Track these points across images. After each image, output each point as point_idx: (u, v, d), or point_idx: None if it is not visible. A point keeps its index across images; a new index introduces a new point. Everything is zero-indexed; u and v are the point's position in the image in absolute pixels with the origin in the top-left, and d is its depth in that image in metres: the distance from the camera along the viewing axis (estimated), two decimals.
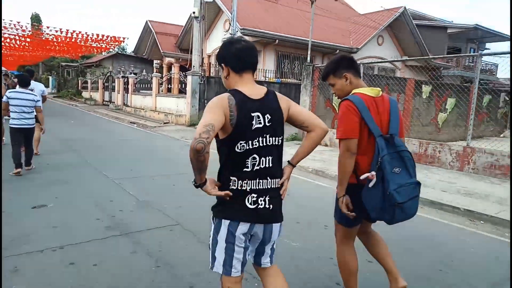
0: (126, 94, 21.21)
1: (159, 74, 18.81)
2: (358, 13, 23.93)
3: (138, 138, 11.10)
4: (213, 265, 1.88)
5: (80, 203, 4.63)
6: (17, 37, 20.21)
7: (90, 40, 20.12)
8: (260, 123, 1.79)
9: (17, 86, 6.42)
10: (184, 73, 15.95)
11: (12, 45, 21.71)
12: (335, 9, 21.17)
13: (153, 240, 3.58)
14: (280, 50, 18.27)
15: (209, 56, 20.39)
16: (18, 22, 17.80)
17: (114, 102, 23.00)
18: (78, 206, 4.53)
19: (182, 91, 18.44)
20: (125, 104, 21.12)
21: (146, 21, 24.32)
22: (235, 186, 1.80)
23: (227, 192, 1.78)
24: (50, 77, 38.66)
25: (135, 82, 20.33)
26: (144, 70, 21.48)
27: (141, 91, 20.43)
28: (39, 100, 6.25)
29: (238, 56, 1.84)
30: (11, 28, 18.35)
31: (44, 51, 24.87)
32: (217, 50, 2.27)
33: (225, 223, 1.82)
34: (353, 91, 2.28)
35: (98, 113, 19.65)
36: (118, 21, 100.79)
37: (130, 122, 15.69)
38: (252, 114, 1.77)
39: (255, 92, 1.84)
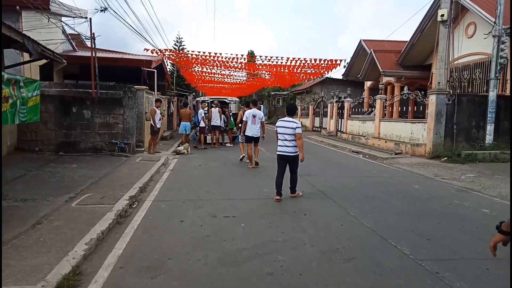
0: (340, 119, 19.72)
1: (384, 96, 16.39)
2: None
3: (381, 176, 8.75)
4: None
5: None
6: (237, 71, 21.99)
7: (306, 67, 19.71)
8: None
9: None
10: (422, 92, 12.97)
11: (234, 80, 24.12)
12: None
13: None
14: None
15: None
16: (242, 55, 18.85)
17: (325, 128, 21.96)
18: None
19: (401, 115, 15.83)
20: (339, 130, 19.62)
21: (360, 41, 22.66)
22: None
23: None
24: (261, 105, 42.27)
25: (351, 106, 18.60)
26: (363, 93, 19.62)
27: (352, 115, 18.54)
28: (299, 127, 5.97)
29: None
30: (233, 63, 19.74)
31: (259, 82, 26.54)
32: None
33: None
34: None
35: (312, 140, 18.80)
36: (315, 45, 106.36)
37: (352, 151, 13.78)
38: None
39: None
